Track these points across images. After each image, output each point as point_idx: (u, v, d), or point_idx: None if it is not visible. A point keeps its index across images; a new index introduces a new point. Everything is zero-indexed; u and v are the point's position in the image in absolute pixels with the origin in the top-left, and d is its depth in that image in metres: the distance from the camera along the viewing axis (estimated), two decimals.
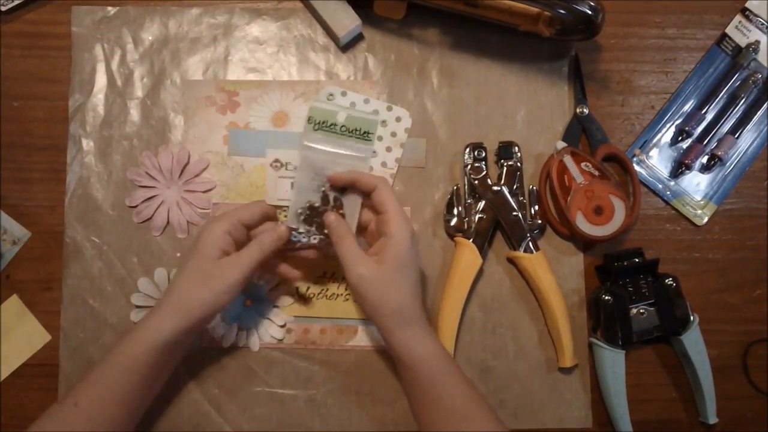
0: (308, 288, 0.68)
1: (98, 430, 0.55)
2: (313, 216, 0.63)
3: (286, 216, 0.66)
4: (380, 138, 0.70)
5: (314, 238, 0.63)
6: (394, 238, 0.58)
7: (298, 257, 0.64)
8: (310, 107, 0.61)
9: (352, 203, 0.63)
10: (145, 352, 0.56)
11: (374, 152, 0.68)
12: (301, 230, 0.62)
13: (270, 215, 0.63)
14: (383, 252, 0.58)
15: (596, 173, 0.68)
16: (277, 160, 0.62)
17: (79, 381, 0.57)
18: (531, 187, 0.69)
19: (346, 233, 0.60)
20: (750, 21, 0.73)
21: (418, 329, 0.58)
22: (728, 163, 0.72)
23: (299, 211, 0.62)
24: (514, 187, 0.69)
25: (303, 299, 0.68)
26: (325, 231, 0.62)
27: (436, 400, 0.57)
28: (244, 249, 0.59)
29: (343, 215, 0.63)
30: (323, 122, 0.60)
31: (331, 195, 0.63)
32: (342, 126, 0.61)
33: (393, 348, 0.58)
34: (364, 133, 0.61)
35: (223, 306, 0.58)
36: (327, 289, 0.68)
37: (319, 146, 0.61)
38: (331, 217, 0.61)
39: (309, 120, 0.60)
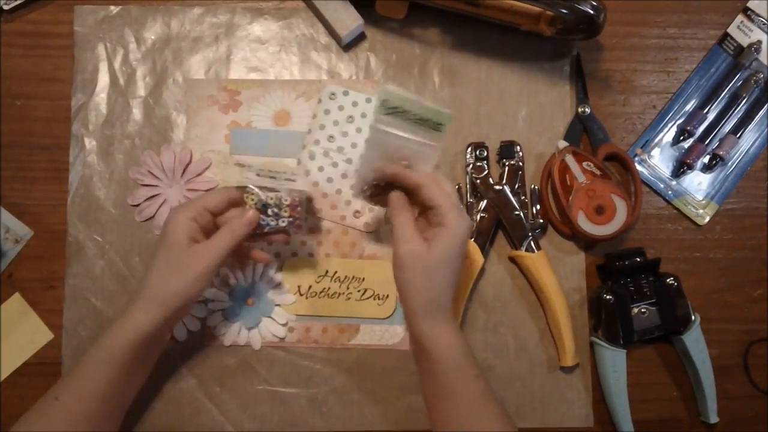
0: (310, 287, 0.68)
1: (77, 425, 0.55)
2: (377, 194, 0.61)
3: (251, 199, 0.64)
4: None
5: (283, 222, 0.62)
6: (452, 230, 0.56)
7: (270, 241, 0.65)
8: (384, 90, 0.58)
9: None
10: (123, 347, 0.56)
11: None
12: (269, 213, 0.62)
13: (236, 200, 0.62)
14: (437, 239, 0.56)
15: (598, 172, 0.68)
16: (238, 163, 0.63)
17: (62, 376, 0.57)
18: (532, 186, 0.70)
19: (406, 208, 0.59)
20: (752, 21, 0.73)
21: (443, 319, 0.57)
22: (730, 163, 0.72)
23: (365, 188, 0.61)
24: (516, 186, 0.69)
25: (305, 298, 0.68)
26: (294, 214, 0.62)
27: (449, 391, 0.57)
28: (215, 236, 0.59)
29: None
30: (395, 107, 0.59)
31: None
32: (415, 113, 0.59)
33: (417, 333, 0.57)
34: (437, 124, 0.60)
35: (198, 294, 0.58)
36: (329, 288, 0.68)
37: (389, 129, 0.59)
38: (395, 193, 0.60)
39: (382, 103, 0.59)
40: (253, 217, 0.61)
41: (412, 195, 0.60)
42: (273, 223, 0.62)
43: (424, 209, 0.60)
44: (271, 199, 0.62)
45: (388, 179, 0.60)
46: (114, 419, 0.60)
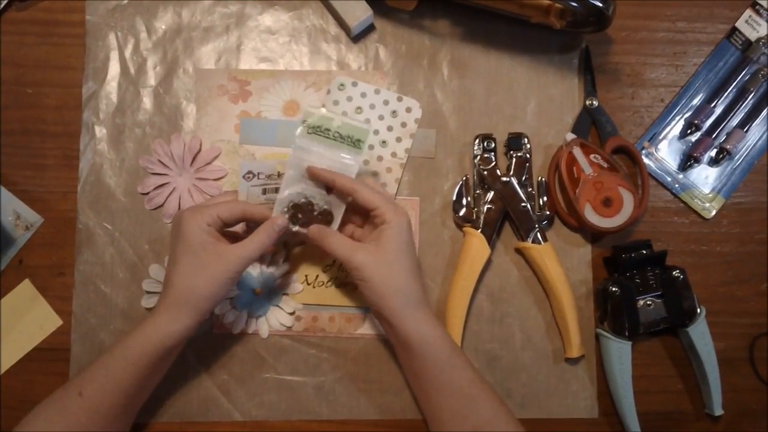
0: (317, 276, 0.68)
1: (100, 420, 0.56)
2: (296, 213, 0.62)
3: None
4: (390, 128, 0.70)
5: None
6: (392, 223, 0.59)
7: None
8: (304, 112, 0.62)
9: (337, 208, 0.63)
10: (154, 350, 0.57)
11: (366, 161, 0.69)
12: (299, 218, 0.63)
13: (250, 216, 0.61)
14: (381, 237, 0.59)
15: (605, 165, 0.68)
16: (249, 172, 0.63)
17: (84, 370, 0.58)
18: (540, 178, 0.70)
19: (330, 232, 0.61)
20: (760, 15, 0.73)
21: (424, 311, 0.59)
22: (737, 157, 0.72)
23: (284, 209, 0.62)
24: (523, 178, 0.69)
25: (312, 287, 0.68)
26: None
27: (445, 384, 0.58)
28: (248, 240, 0.59)
29: (328, 216, 0.63)
30: (317, 127, 0.62)
31: (318, 197, 0.63)
32: (335, 132, 0.62)
33: (401, 331, 0.58)
34: (356, 140, 0.62)
35: (226, 295, 0.60)
36: (336, 278, 0.68)
37: (310, 149, 0.62)
38: (312, 229, 0.62)
39: (303, 123, 0.62)
40: (283, 224, 0.61)
41: (352, 204, 0.62)
42: (297, 228, 0.63)
43: (364, 215, 0.63)
44: (303, 201, 0.63)
45: (324, 182, 0.62)
46: (132, 413, 0.61)
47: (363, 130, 0.62)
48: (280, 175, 0.64)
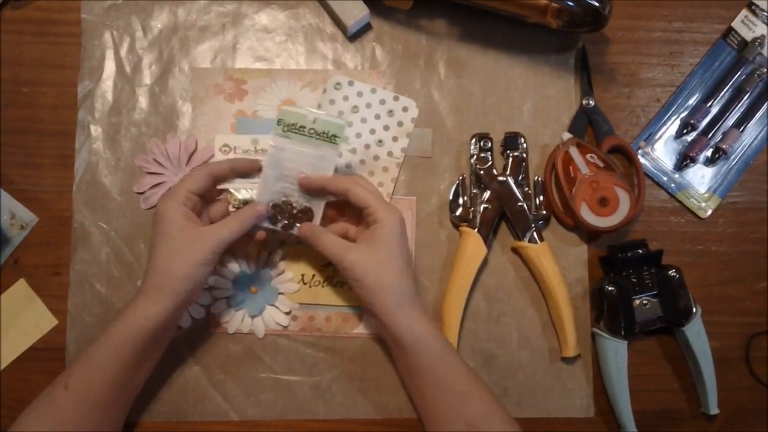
0: (314, 276, 0.68)
1: (87, 413, 0.56)
2: (276, 214, 0.63)
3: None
4: (387, 128, 0.70)
5: (293, 230, 0.64)
6: (384, 221, 0.59)
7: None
8: (280, 110, 0.63)
9: (317, 204, 0.63)
10: (134, 336, 0.56)
11: (340, 154, 0.69)
12: (279, 218, 0.63)
13: (218, 174, 0.61)
14: (373, 236, 0.59)
15: (601, 165, 0.68)
16: (225, 145, 0.64)
17: (71, 363, 0.58)
18: (536, 177, 0.70)
19: (321, 231, 0.62)
20: (756, 15, 0.74)
21: (416, 309, 0.60)
22: (732, 157, 0.72)
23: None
24: (520, 177, 0.69)
25: (308, 286, 0.68)
26: (293, 230, 0.63)
27: (439, 381, 0.58)
28: (222, 221, 0.60)
29: (308, 213, 0.63)
30: (293, 125, 0.62)
31: (296, 195, 0.63)
32: (310, 129, 0.62)
33: (394, 329, 0.58)
34: (332, 136, 0.63)
35: (205, 277, 0.59)
36: (332, 277, 0.68)
37: (287, 147, 0.62)
38: (303, 227, 0.63)
39: (278, 122, 0.62)
40: (262, 211, 0.62)
41: (343, 202, 0.63)
42: (279, 227, 0.63)
43: (358, 213, 0.63)
44: (282, 201, 0.63)
45: (315, 189, 0.62)
46: (123, 406, 0.60)
47: (338, 126, 0.62)
48: (257, 150, 0.66)
